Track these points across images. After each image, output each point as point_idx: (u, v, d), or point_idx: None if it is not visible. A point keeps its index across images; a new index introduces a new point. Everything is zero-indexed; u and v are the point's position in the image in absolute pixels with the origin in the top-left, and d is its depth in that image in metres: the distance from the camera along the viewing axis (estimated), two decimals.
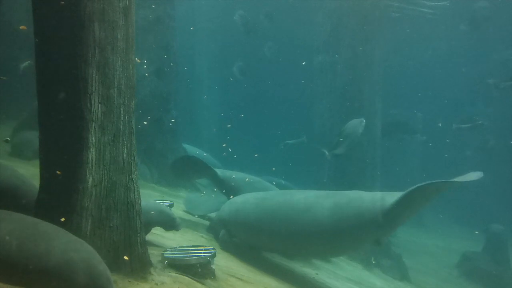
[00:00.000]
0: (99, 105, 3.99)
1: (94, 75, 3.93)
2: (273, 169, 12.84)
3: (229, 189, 7.97)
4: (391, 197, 5.69)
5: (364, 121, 8.74)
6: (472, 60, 22.11)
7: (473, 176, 5.30)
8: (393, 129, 13.32)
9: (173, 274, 4.54)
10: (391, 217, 5.65)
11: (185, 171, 8.45)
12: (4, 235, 3.15)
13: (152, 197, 7.82)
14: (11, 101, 8.31)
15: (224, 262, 5.83)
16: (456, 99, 21.93)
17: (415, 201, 5.66)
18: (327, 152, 8.96)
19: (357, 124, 8.65)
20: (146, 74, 9.95)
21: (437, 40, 21.02)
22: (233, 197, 7.26)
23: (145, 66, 9.94)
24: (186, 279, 4.55)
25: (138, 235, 4.30)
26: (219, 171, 8.24)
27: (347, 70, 11.36)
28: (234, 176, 8.25)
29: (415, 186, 5.46)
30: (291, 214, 5.99)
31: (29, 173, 5.01)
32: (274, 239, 6.19)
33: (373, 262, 5.65)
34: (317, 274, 7.11)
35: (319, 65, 13.54)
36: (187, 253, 4.94)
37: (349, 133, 8.66)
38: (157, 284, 4.15)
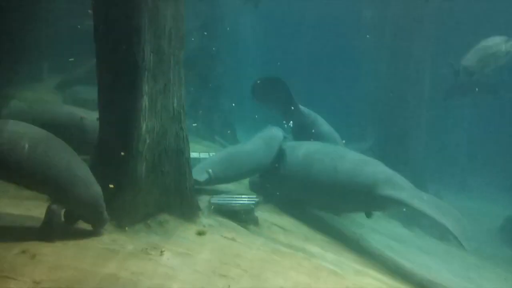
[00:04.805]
0: (151, 54, 4.15)
1: (146, 25, 4.07)
2: None
3: (304, 126, 7.53)
4: (397, 188, 5.76)
5: None
6: None
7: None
8: (470, 89, 11.90)
9: (219, 218, 4.80)
10: (382, 201, 5.85)
11: (267, 95, 7.91)
12: (19, 138, 3.38)
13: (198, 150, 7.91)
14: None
15: (267, 214, 6.04)
16: None
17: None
18: (453, 65, 8.15)
19: (498, 42, 7.60)
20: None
21: None
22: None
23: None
24: (231, 223, 4.80)
25: (187, 180, 4.55)
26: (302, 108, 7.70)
27: (395, 27, 10.97)
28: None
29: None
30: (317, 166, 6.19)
31: None
32: (297, 186, 6.40)
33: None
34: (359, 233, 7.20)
35: (368, 21, 13.21)
36: (232, 200, 5.19)
37: (484, 46, 7.76)
38: (204, 226, 4.41)
